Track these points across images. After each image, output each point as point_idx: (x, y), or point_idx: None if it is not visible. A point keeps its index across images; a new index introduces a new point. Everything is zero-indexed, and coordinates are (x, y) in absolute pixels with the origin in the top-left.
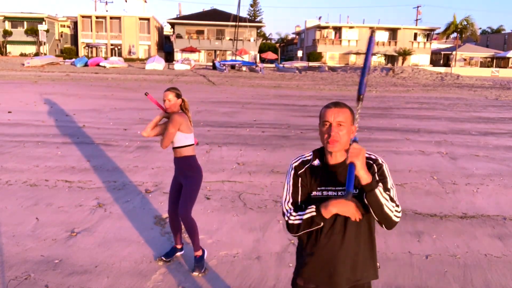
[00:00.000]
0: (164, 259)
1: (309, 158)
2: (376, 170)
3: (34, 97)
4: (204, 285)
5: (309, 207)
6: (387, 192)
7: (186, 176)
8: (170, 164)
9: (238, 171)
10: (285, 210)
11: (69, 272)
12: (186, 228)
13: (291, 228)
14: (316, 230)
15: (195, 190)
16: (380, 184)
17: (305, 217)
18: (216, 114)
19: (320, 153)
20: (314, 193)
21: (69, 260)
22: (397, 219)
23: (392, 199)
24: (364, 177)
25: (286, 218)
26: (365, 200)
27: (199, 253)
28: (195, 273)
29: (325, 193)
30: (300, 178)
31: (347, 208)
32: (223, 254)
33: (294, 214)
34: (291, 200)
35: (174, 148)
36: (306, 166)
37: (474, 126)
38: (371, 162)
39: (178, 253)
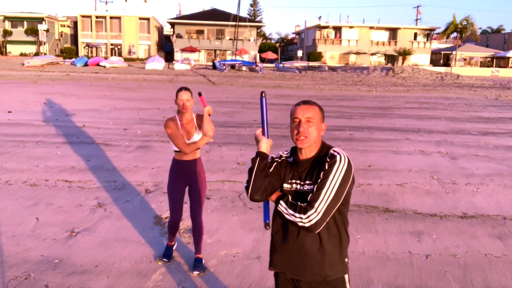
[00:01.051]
0: (166, 260)
1: (286, 154)
2: (326, 167)
3: (34, 97)
4: (204, 285)
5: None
6: (299, 204)
7: (200, 178)
8: (170, 164)
9: (238, 171)
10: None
11: (69, 272)
12: (199, 230)
13: (246, 189)
14: (284, 220)
15: (205, 191)
16: (283, 200)
17: (251, 164)
18: (216, 114)
19: (295, 150)
20: (285, 185)
21: (69, 260)
22: (306, 226)
23: (294, 207)
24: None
25: (245, 185)
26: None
27: (201, 255)
28: (196, 273)
29: (294, 185)
30: (275, 163)
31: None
32: (223, 254)
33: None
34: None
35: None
36: (282, 158)
37: (474, 126)
38: (328, 159)
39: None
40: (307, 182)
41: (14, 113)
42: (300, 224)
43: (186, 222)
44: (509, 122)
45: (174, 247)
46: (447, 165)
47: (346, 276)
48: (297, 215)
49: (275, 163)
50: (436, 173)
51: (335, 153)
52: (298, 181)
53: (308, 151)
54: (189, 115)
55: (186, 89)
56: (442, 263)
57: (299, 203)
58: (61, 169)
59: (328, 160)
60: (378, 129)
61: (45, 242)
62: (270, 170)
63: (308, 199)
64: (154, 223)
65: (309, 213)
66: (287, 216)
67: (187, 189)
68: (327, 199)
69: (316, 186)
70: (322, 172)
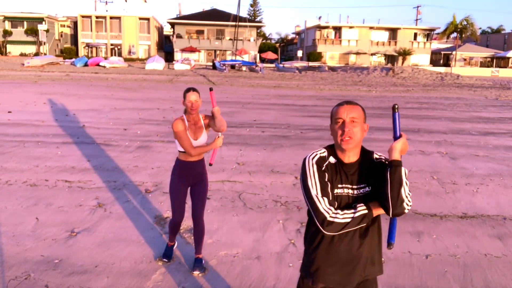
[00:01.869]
0: (166, 260)
1: (324, 155)
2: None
3: (34, 97)
4: (204, 285)
5: (359, 205)
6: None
7: (204, 178)
8: (170, 164)
9: (238, 171)
10: (322, 210)
11: (69, 272)
12: (200, 230)
13: (337, 228)
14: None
15: (207, 192)
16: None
17: (356, 215)
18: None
19: (333, 150)
20: (336, 190)
21: (69, 260)
22: (407, 207)
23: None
24: (397, 152)
25: (331, 218)
26: (388, 175)
27: (201, 255)
28: (196, 272)
29: (346, 190)
30: (325, 174)
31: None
32: (223, 254)
33: (341, 212)
34: (325, 198)
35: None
36: (326, 163)
37: (474, 126)
38: (383, 160)
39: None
40: (363, 185)
41: (14, 113)
42: (405, 204)
43: (186, 222)
44: (509, 122)
45: (174, 247)
46: (447, 165)
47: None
48: (409, 197)
49: (325, 174)
50: (436, 173)
51: (385, 156)
52: (349, 186)
53: (353, 154)
54: (196, 116)
55: (194, 89)
56: (442, 263)
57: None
58: (61, 169)
59: (385, 160)
60: (378, 129)
61: (45, 242)
62: (328, 187)
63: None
64: (154, 223)
65: (411, 202)
66: (403, 190)
67: (188, 189)
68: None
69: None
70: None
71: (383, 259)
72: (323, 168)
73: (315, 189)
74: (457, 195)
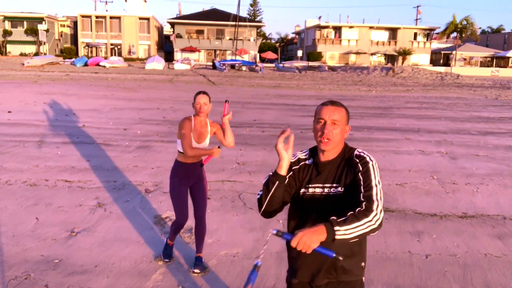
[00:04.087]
0: (167, 260)
1: (304, 156)
2: (360, 169)
3: (34, 97)
4: (204, 285)
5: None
6: (352, 213)
7: (203, 178)
8: (170, 164)
9: (238, 171)
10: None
11: (69, 272)
12: (202, 230)
13: (258, 202)
14: (302, 226)
15: (207, 192)
16: (336, 225)
17: (264, 182)
18: (216, 114)
19: (314, 151)
20: (302, 190)
21: (69, 260)
22: (375, 227)
23: (359, 215)
24: (320, 238)
25: (258, 197)
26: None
27: (202, 254)
28: (197, 271)
29: (311, 189)
30: (292, 172)
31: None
32: (223, 254)
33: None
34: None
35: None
36: (300, 164)
37: (474, 125)
38: (357, 160)
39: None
40: (335, 185)
41: (14, 113)
42: (370, 230)
43: (187, 222)
44: (509, 121)
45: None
46: (447, 165)
47: (363, 278)
48: (362, 222)
49: (292, 172)
50: (436, 173)
51: (363, 154)
52: (320, 185)
53: (330, 153)
54: (204, 120)
55: (204, 93)
56: (442, 263)
57: (351, 213)
58: (61, 169)
59: (358, 160)
60: (378, 129)
61: (45, 242)
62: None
63: (361, 200)
64: (154, 223)
65: (371, 215)
66: (357, 233)
67: (191, 190)
68: (380, 197)
69: (362, 187)
70: (360, 173)
71: (363, 264)
72: (293, 168)
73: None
74: (457, 195)
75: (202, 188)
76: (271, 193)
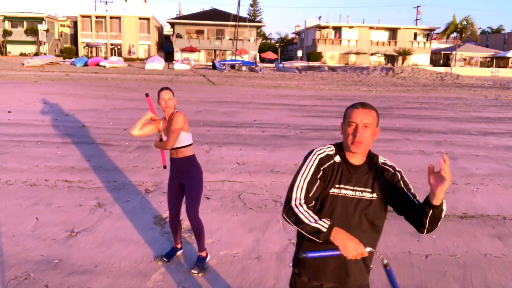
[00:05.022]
0: (166, 260)
1: (331, 152)
2: (400, 178)
3: (34, 97)
4: (204, 285)
5: (324, 219)
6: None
7: (191, 177)
8: (169, 164)
9: (238, 171)
10: (294, 196)
11: (69, 272)
12: (194, 229)
13: (291, 216)
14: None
15: (201, 190)
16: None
17: (313, 224)
18: (216, 114)
19: (340, 149)
20: (332, 190)
21: (69, 260)
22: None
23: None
24: (441, 196)
25: (293, 204)
26: (430, 215)
27: (204, 254)
28: (195, 271)
29: (343, 191)
30: (322, 172)
31: (351, 248)
32: (223, 254)
33: (304, 207)
34: (304, 189)
35: (176, 149)
36: (330, 162)
37: (474, 126)
38: (391, 170)
39: (178, 252)
40: (367, 190)
41: (14, 113)
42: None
43: (186, 222)
44: (509, 122)
45: (179, 252)
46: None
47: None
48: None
49: (322, 172)
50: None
51: (389, 162)
52: (349, 187)
53: (360, 157)
54: (170, 114)
55: (168, 88)
56: (442, 263)
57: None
58: (61, 169)
59: (392, 169)
60: None
61: (45, 242)
62: (315, 188)
63: (420, 202)
64: (154, 223)
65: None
66: (442, 215)
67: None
68: None
69: (410, 193)
70: (402, 181)
71: (371, 266)
72: (324, 167)
73: (302, 180)
74: (457, 195)
75: (192, 188)
76: (306, 236)
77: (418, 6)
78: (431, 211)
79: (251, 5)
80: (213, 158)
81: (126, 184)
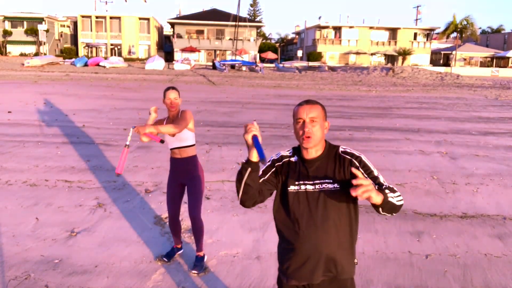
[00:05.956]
0: (165, 260)
1: (288, 154)
2: (358, 164)
3: (34, 97)
4: (204, 285)
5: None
6: (385, 187)
7: (193, 177)
8: (169, 164)
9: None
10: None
11: (69, 272)
12: (195, 229)
13: (237, 192)
14: (295, 223)
15: (203, 190)
16: (387, 190)
17: (238, 170)
18: (216, 114)
19: (298, 150)
20: (291, 187)
21: (69, 260)
22: (402, 203)
23: (391, 189)
24: (378, 198)
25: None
26: (380, 210)
27: (201, 253)
28: (195, 271)
29: (302, 186)
30: (274, 168)
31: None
32: (223, 254)
33: None
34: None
35: (180, 148)
36: (284, 160)
37: (474, 125)
38: (349, 157)
39: (178, 252)
40: (327, 181)
41: (14, 113)
42: (398, 206)
43: (186, 222)
44: (509, 122)
45: (179, 252)
46: (447, 165)
47: (353, 277)
48: (398, 194)
49: (274, 168)
50: (436, 173)
51: (350, 150)
52: (308, 182)
53: (314, 151)
54: (175, 114)
55: (174, 88)
56: (442, 263)
57: (385, 185)
58: (61, 169)
59: (350, 156)
60: (378, 129)
61: (45, 242)
62: (266, 177)
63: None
64: (154, 223)
65: (398, 192)
66: (396, 202)
67: (186, 189)
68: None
69: (373, 180)
70: (360, 168)
71: (356, 260)
72: (276, 164)
73: None
74: (457, 195)
75: (194, 189)
76: (244, 180)
77: (418, 6)
78: (379, 208)
79: (251, 5)
80: (213, 158)
81: (126, 184)
